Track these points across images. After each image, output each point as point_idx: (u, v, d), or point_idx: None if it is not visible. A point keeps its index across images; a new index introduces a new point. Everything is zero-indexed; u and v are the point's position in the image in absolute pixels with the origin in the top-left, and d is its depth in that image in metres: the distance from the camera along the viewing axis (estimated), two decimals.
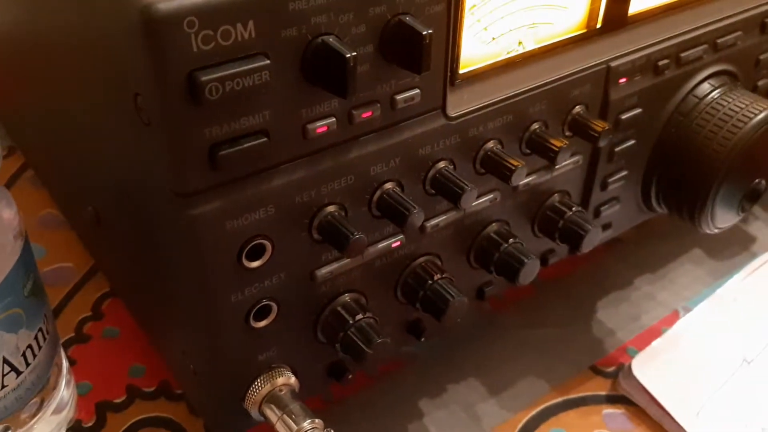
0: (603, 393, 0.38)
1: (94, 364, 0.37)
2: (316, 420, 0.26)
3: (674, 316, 0.42)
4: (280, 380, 0.27)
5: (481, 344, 0.40)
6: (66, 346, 0.38)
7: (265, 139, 0.22)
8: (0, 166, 0.27)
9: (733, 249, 0.47)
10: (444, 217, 0.29)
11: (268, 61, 0.21)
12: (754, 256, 0.47)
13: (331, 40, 0.22)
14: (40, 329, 0.29)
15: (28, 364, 0.28)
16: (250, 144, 0.22)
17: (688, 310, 0.43)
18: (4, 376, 0.27)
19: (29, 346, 0.28)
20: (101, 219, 0.32)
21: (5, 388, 0.27)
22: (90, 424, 0.35)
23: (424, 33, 0.23)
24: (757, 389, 0.38)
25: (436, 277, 0.29)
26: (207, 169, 0.22)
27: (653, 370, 0.38)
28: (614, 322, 0.42)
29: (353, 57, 0.21)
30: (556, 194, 0.33)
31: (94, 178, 0.31)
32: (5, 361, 0.27)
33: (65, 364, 0.33)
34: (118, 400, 0.36)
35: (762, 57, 0.38)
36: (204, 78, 0.20)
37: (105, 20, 0.22)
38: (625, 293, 0.44)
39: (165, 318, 0.30)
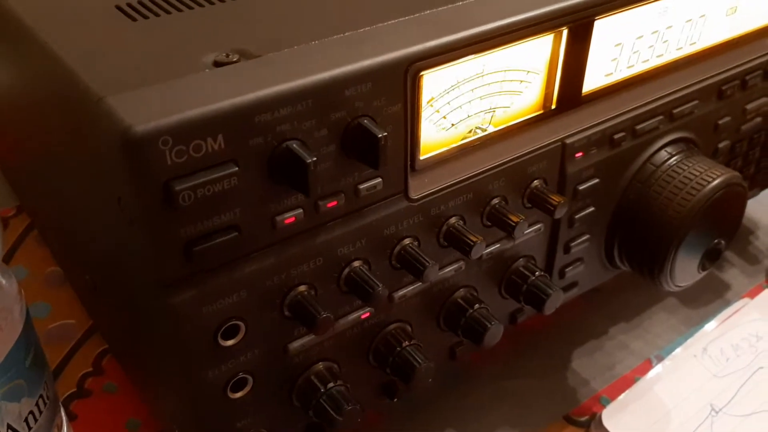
0: None
1: (94, 419, 0.40)
2: None
3: (647, 365, 0.44)
4: None
5: (458, 395, 0.42)
6: (68, 400, 0.40)
7: (236, 233, 0.24)
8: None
9: (707, 297, 0.49)
10: (411, 287, 0.31)
11: (237, 168, 0.23)
12: (727, 303, 0.49)
13: (294, 145, 0.24)
14: (41, 396, 0.31)
15: (30, 428, 0.30)
16: (222, 239, 0.24)
17: (660, 358, 0.45)
18: None
19: (31, 412, 0.30)
20: (97, 288, 0.35)
21: None
22: None
23: (380, 136, 0.25)
24: None
25: (404, 344, 0.31)
26: (183, 262, 0.24)
27: (623, 420, 0.40)
28: (588, 371, 0.44)
29: (313, 162, 0.24)
30: (521, 259, 0.35)
31: (89, 252, 0.33)
32: (9, 427, 0.29)
33: (65, 422, 0.35)
34: None
35: (721, 122, 0.40)
36: (178, 187, 0.22)
37: (91, 133, 0.24)
38: (600, 342, 0.46)
39: (152, 384, 0.32)
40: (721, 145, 0.41)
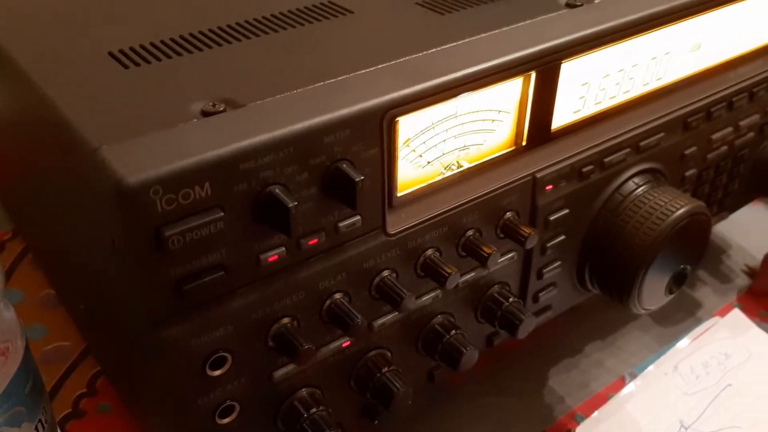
0: None
1: None
2: None
3: (621, 382, 0.46)
4: None
5: (438, 415, 0.43)
6: (64, 420, 0.42)
7: (223, 272, 0.26)
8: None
9: (679, 315, 0.51)
10: (390, 316, 0.33)
11: (223, 213, 0.25)
12: (699, 321, 0.51)
13: (276, 190, 0.26)
14: (40, 420, 0.33)
15: None
16: (210, 278, 0.26)
17: (633, 376, 0.46)
18: None
19: None
20: (90, 316, 0.36)
21: None
22: None
23: (357, 180, 0.27)
24: None
25: (384, 370, 0.33)
26: (173, 299, 0.26)
27: None
28: (564, 389, 0.46)
29: (294, 206, 0.26)
30: (496, 285, 0.37)
31: (83, 283, 0.35)
32: None
33: None
34: None
35: (687, 152, 0.42)
36: (168, 233, 0.24)
37: (86, 179, 0.26)
38: (575, 360, 0.48)
39: (143, 409, 0.34)
40: (688, 174, 0.43)
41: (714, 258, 0.56)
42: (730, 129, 0.44)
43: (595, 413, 0.43)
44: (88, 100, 0.28)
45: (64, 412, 0.42)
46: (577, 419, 0.44)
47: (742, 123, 0.45)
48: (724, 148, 0.44)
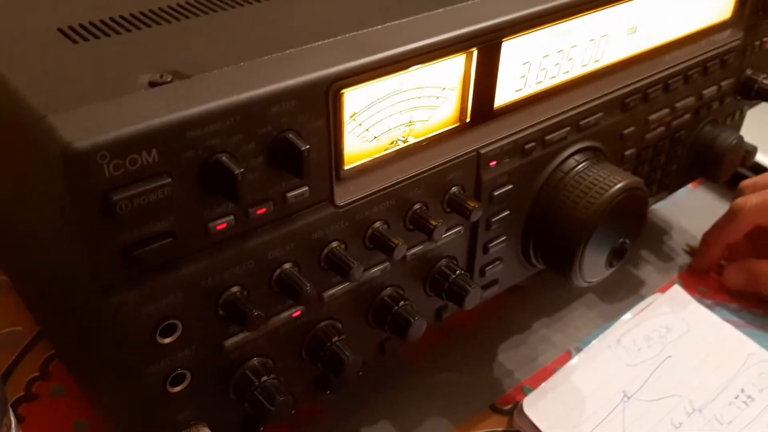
0: (500, 429, 0.43)
1: (42, 421, 0.41)
2: None
3: (567, 356, 0.48)
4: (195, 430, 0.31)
5: (393, 390, 0.45)
6: (16, 404, 0.42)
7: (171, 239, 0.27)
8: None
9: (623, 292, 0.53)
10: (340, 287, 0.34)
11: (170, 179, 0.26)
12: (642, 298, 0.53)
13: (223, 158, 0.27)
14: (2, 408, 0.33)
15: None
16: (158, 244, 0.26)
17: (579, 350, 0.48)
18: None
19: None
20: (44, 295, 0.36)
21: None
22: None
23: (303, 149, 0.28)
24: (635, 422, 0.44)
25: (334, 340, 0.34)
26: (122, 266, 0.26)
27: (543, 407, 0.44)
28: (513, 363, 0.47)
29: (241, 173, 0.26)
30: (443, 259, 0.38)
31: (35, 260, 0.35)
32: None
33: (14, 425, 0.37)
34: None
35: (626, 132, 0.44)
36: (115, 197, 0.24)
37: (34, 148, 0.26)
38: (524, 336, 0.49)
39: (97, 383, 0.34)
40: (627, 153, 0.45)
41: (657, 238, 0.58)
42: (666, 110, 0.46)
43: (542, 385, 0.45)
44: (37, 72, 0.29)
45: (16, 395, 0.42)
46: (525, 391, 0.45)
47: (678, 105, 0.47)
48: (662, 128, 0.46)
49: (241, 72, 0.28)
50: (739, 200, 0.53)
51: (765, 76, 0.52)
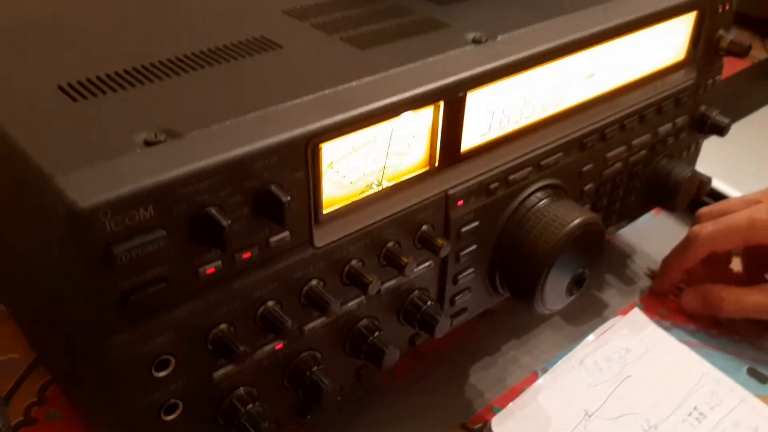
0: None
1: None
2: None
3: (533, 377, 0.51)
4: None
5: (371, 411, 0.47)
6: (16, 428, 0.44)
7: (165, 284, 0.30)
8: None
9: (587, 315, 0.56)
10: (319, 321, 0.37)
11: (165, 232, 0.28)
12: (604, 320, 0.56)
13: (212, 211, 0.29)
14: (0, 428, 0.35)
15: None
16: (153, 289, 0.29)
17: (545, 371, 0.51)
18: None
19: None
20: (42, 328, 0.39)
21: None
22: None
23: (284, 200, 0.31)
24: None
25: (313, 369, 0.37)
26: (120, 310, 0.29)
27: (510, 426, 0.47)
28: (483, 384, 0.50)
29: (228, 225, 0.29)
30: (416, 291, 0.41)
31: (35, 297, 0.38)
32: None
33: None
34: None
35: (584, 169, 0.47)
36: (116, 250, 0.27)
37: (41, 203, 0.29)
38: (494, 358, 0.52)
39: (93, 411, 0.36)
40: (586, 188, 0.48)
41: (620, 263, 0.62)
42: (623, 148, 0.49)
43: (510, 405, 0.48)
44: (41, 131, 0.31)
45: (16, 419, 0.45)
46: (494, 411, 0.48)
47: (634, 142, 0.50)
48: (619, 164, 0.50)
49: (227, 131, 0.31)
50: (696, 228, 0.57)
51: (717, 112, 0.56)
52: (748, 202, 0.57)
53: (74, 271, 0.29)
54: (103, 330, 0.29)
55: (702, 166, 0.61)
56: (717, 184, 0.68)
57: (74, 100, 0.34)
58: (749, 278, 0.59)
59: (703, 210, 0.59)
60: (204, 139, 0.30)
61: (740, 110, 0.84)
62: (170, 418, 0.33)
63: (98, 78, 0.35)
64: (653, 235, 0.64)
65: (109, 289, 0.28)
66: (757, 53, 1.01)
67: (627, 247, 0.64)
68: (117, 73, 0.36)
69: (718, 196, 0.66)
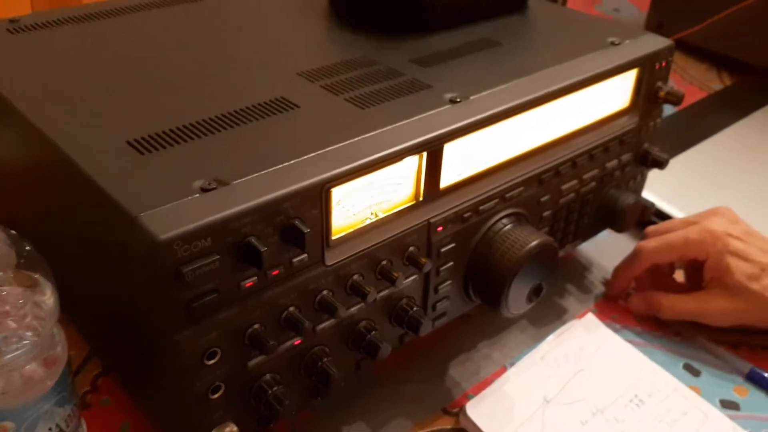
0: (449, 427, 0.57)
1: (96, 424, 0.53)
2: None
3: (503, 370, 0.61)
4: (227, 429, 0.44)
5: (366, 397, 0.58)
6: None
7: (216, 294, 0.40)
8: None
9: (549, 318, 0.67)
10: (328, 322, 0.47)
11: (218, 257, 0.39)
12: (564, 323, 0.66)
13: (252, 240, 0.40)
14: (75, 404, 0.45)
15: (68, 426, 0.45)
16: (208, 298, 0.39)
17: (512, 365, 0.62)
18: None
19: (69, 415, 0.45)
20: (107, 332, 0.49)
21: None
22: None
23: (305, 232, 0.41)
24: (551, 420, 0.57)
25: (324, 360, 0.47)
26: (184, 314, 0.39)
27: (482, 410, 0.57)
28: (460, 376, 0.61)
29: (265, 251, 0.39)
30: (404, 298, 0.51)
31: (105, 308, 0.48)
32: (57, 426, 0.43)
33: (83, 423, 0.49)
34: None
35: (542, 199, 0.58)
36: (184, 270, 0.37)
37: (123, 236, 0.39)
38: (470, 355, 0.63)
39: (152, 394, 0.46)
40: (545, 215, 0.59)
41: (579, 274, 0.72)
42: (575, 181, 0.60)
43: (482, 392, 0.58)
44: (121, 179, 0.41)
45: None
46: (469, 397, 0.58)
47: (585, 176, 0.61)
48: (572, 194, 0.60)
49: (262, 179, 0.41)
50: (641, 243, 0.68)
51: (658, 149, 0.66)
52: (687, 222, 0.67)
53: (150, 285, 0.39)
54: (170, 329, 0.39)
55: (654, 189, 0.72)
56: (665, 206, 0.78)
57: (141, 153, 0.44)
58: (689, 287, 0.69)
59: (650, 228, 0.70)
60: (245, 187, 0.41)
61: (696, 137, 0.95)
62: (215, 396, 0.43)
63: (156, 134, 0.45)
64: (610, 251, 0.75)
65: (177, 298, 0.38)
66: (714, 84, 1.13)
67: (586, 261, 0.74)
68: (171, 130, 0.46)
69: (665, 217, 0.77)
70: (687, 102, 1.06)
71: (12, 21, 0.63)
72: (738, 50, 1.12)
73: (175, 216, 0.38)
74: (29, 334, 0.41)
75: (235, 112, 0.48)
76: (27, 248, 0.41)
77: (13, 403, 0.41)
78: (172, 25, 0.63)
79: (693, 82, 1.12)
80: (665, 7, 1.19)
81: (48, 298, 0.42)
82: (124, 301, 0.44)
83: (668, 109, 1.02)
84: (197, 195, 0.40)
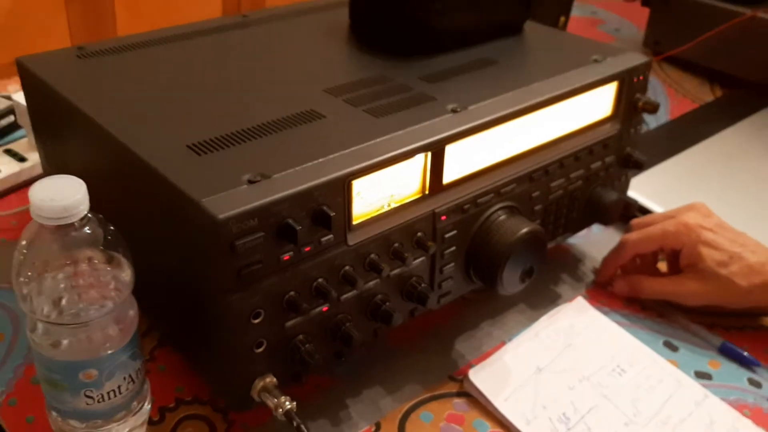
0: (454, 391, 0.66)
1: (154, 386, 0.63)
2: (288, 398, 0.53)
3: (501, 345, 0.70)
4: (267, 380, 0.54)
5: (383, 366, 0.67)
6: None
7: (261, 264, 0.50)
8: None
9: (544, 302, 0.76)
10: (350, 293, 0.57)
11: (263, 234, 0.49)
12: (557, 306, 0.75)
13: (290, 221, 0.50)
14: (143, 361, 0.56)
15: (138, 379, 0.55)
16: (254, 267, 0.49)
17: (510, 340, 0.71)
18: (128, 385, 0.54)
19: (138, 369, 0.55)
20: (168, 306, 0.59)
21: (128, 392, 0.54)
22: (156, 419, 0.61)
23: (332, 215, 0.51)
24: (543, 385, 0.66)
25: (346, 324, 0.56)
26: (236, 280, 0.49)
27: (483, 376, 0.66)
28: (465, 350, 0.70)
29: (300, 230, 0.49)
30: (414, 277, 0.61)
31: (163, 281, 0.58)
32: (130, 376, 0.53)
33: (147, 383, 0.59)
34: (170, 406, 0.62)
35: (533, 195, 0.67)
36: (237, 243, 0.47)
37: (186, 218, 0.49)
38: (473, 332, 0.72)
39: (204, 354, 0.56)
40: (536, 209, 0.68)
41: (573, 264, 0.81)
42: (563, 180, 0.69)
43: (482, 363, 0.67)
44: (185, 174, 0.51)
45: None
46: (472, 367, 0.68)
47: (572, 175, 0.70)
48: (560, 191, 0.70)
49: (298, 173, 0.51)
50: (626, 235, 0.77)
51: (639, 152, 0.76)
52: (665, 216, 0.76)
53: (210, 256, 0.49)
54: (225, 292, 0.49)
55: (642, 190, 0.80)
56: (649, 203, 0.87)
57: (198, 154, 0.54)
58: (670, 274, 0.78)
59: (635, 221, 0.79)
60: (283, 179, 0.51)
61: (684, 144, 1.04)
62: (258, 351, 0.53)
63: (210, 140, 0.56)
64: (600, 244, 0.84)
65: (230, 267, 0.49)
66: (707, 97, 1.21)
67: (579, 254, 0.83)
68: (222, 136, 0.56)
69: (648, 213, 0.86)
70: (681, 111, 1.15)
71: (80, 48, 0.74)
72: (728, 65, 1.21)
73: (229, 201, 0.48)
74: (109, 302, 0.51)
75: (274, 121, 0.59)
76: (111, 230, 0.51)
77: (96, 354, 0.51)
78: (220, 50, 0.74)
79: (687, 95, 1.21)
80: (660, 26, 1.28)
81: (126, 273, 0.52)
82: (185, 273, 0.54)
83: (662, 119, 1.12)
84: (245, 186, 0.50)
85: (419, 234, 0.59)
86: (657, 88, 1.22)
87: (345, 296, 0.57)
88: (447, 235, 0.61)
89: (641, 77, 0.73)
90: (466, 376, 0.66)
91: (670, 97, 1.20)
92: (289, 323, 0.54)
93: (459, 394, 0.65)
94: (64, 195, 0.46)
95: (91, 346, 0.51)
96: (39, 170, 0.86)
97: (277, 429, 0.60)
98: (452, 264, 0.63)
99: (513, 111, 0.62)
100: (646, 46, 1.32)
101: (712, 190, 0.91)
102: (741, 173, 0.97)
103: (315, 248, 0.53)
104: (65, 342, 0.51)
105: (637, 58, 0.73)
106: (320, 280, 0.54)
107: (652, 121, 1.11)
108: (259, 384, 0.54)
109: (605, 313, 0.75)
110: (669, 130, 1.07)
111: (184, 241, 0.53)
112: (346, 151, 0.54)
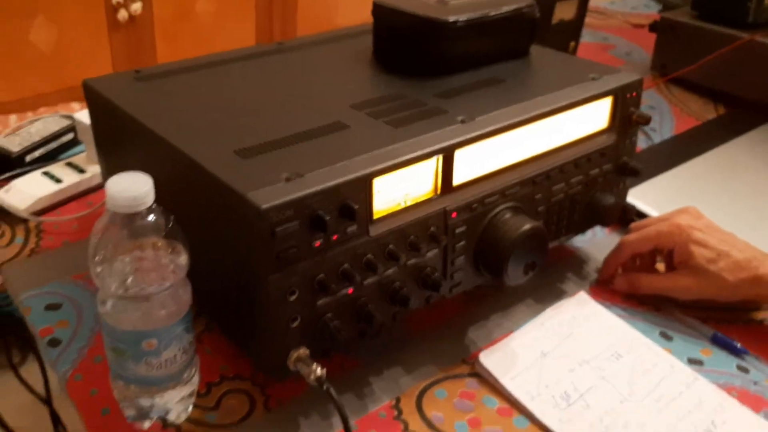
0: (466, 372, 0.74)
1: (202, 365, 0.72)
2: (320, 365, 0.61)
3: (510, 333, 0.78)
4: (301, 351, 0.62)
5: (400, 351, 0.75)
6: None
7: (296, 249, 0.58)
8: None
9: (550, 297, 0.83)
10: (372, 278, 0.65)
11: (297, 222, 0.58)
12: (561, 300, 0.83)
13: (319, 212, 0.59)
14: (194, 335, 0.65)
15: (190, 350, 0.64)
16: (290, 252, 0.58)
17: (518, 329, 0.78)
18: (182, 355, 0.63)
19: (191, 342, 0.64)
20: (215, 291, 0.68)
21: (182, 362, 0.63)
22: (203, 392, 0.70)
23: (355, 208, 0.60)
24: (547, 368, 0.74)
25: (369, 306, 0.65)
26: (275, 262, 0.58)
27: (492, 359, 0.74)
28: (476, 337, 0.78)
29: (328, 220, 0.58)
30: (428, 267, 0.69)
31: (210, 267, 0.67)
32: (183, 347, 0.62)
33: (197, 358, 0.68)
34: (215, 381, 0.71)
35: (536, 197, 0.75)
36: (277, 230, 0.57)
37: (232, 208, 0.58)
38: (484, 323, 0.79)
39: (247, 332, 0.65)
40: (539, 209, 0.76)
41: (577, 264, 0.89)
42: (563, 184, 0.77)
43: (491, 347, 0.75)
44: (232, 173, 0.61)
45: None
46: (482, 351, 0.75)
47: (571, 181, 0.78)
48: (562, 195, 0.78)
49: (327, 173, 0.60)
50: (625, 237, 0.84)
51: (634, 161, 0.83)
52: (660, 219, 0.84)
53: (253, 241, 0.58)
54: (266, 272, 0.58)
55: (644, 198, 0.88)
56: (646, 209, 0.95)
57: (244, 158, 0.63)
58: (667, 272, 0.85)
59: (634, 224, 0.87)
60: (316, 178, 0.60)
61: (684, 157, 1.11)
62: (294, 325, 0.61)
63: (253, 146, 0.65)
64: (604, 247, 0.91)
65: (270, 250, 0.57)
66: (711, 116, 1.29)
67: (583, 255, 0.91)
68: (263, 143, 0.66)
69: (645, 217, 0.93)
70: (684, 127, 1.22)
71: (137, 72, 0.85)
72: (729, 85, 1.28)
73: (270, 195, 0.57)
74: (167, 281, 0.61)
75: (306, 131, 0.68)
76: (171, 219, 0.60)
77: (156, 325, 0.60)
78: (260, 72, 0.84)
79: (692, 114, 1.28)
80: (666, 50, 1.37)
81: (182, 258, 0.61)
82: (232, 258, 0.63)
83: (666, 136, 1.19)
84: (283, 182, 0.59)
85: (432, 229, 0.68)
86: (663, 108, 1.30)
87: (367, 281, 0.65)
88: (457, 231, 0.70)
89: (634, 93, 0.81)
90: (477, 359, 0.74)
91: (676, 116, 1.27)
92: (320, 302, 0.62)
93: (471, 375, 0.73)
94: (134, 187, 0.56)
95: (152, 318, 0.60)
96: (96, 181, 0.97)
97: (307, 401, 0.69)
98: (462, 256, 0.71)
99: (515, 121, 0.71)
100: (654, 69, 1.40)
101: (708, 199, 0.98)
102: (737, 184, 1.04)
103: (341, 237, 0.61)
104: (130, 314, 0.60)
105: (630, 77, 0.81)
106: (346, 265, 0.63)
107: (656, 137, 1.19)
108: (294, 354, 0.62)
109: (606, 307, 0.82)
110: (671, 144, 1.15)
111: (231, 229, 0.62)
112: (368, 154, 0.63)
